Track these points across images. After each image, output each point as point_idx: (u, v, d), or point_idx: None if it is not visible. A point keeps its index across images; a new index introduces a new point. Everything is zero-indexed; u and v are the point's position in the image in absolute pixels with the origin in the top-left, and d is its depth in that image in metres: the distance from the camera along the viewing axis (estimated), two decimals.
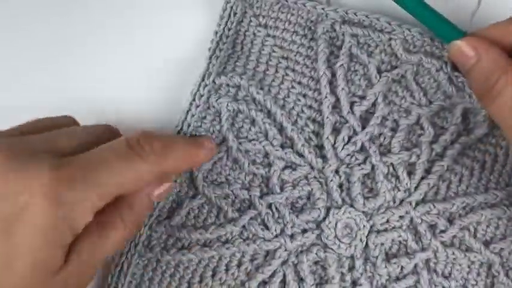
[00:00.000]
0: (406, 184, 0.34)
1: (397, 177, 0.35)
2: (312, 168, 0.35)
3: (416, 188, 0.34)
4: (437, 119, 0.35)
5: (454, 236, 0.35)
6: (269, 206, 0.35)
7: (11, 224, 0.26)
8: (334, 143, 0.34)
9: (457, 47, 0.32)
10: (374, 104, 0.35)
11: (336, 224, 0.34)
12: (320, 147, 0.35)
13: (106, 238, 0.29)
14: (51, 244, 0.27)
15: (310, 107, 0.35)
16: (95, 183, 0.27)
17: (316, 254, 0.34)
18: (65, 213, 0.26)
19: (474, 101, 0.34)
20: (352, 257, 0.35)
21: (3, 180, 0.26)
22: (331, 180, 0.34)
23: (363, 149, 0.35)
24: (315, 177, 0.35)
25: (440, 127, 0.35)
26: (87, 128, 0.32)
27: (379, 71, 0.35)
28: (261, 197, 0.35)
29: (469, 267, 0.35)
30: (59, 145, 0.29)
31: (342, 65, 0.34)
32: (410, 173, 0.35)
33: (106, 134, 0.32)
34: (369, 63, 0.35)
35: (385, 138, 0.35)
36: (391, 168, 0.35)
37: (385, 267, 0.34)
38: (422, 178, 0.34)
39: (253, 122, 0.35)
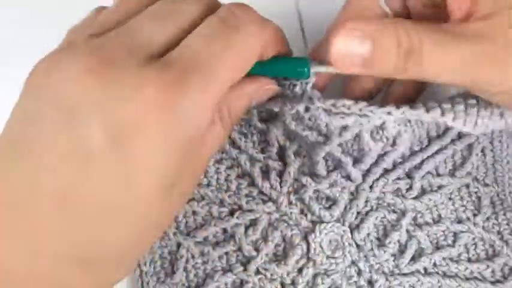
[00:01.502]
0: None
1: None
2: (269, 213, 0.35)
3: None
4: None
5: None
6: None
7: (126, 137, 0.22)
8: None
9: (338, 47, 0.26)
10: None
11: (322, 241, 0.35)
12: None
13: (212, 135, 0.27)
14: (174, 156, 0.24)
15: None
16: (210, 81, 0.24)
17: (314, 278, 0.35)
18: (184, 123, 0.24)
19: None
20: (351, 264, 0.35)
21: (102, 90, 0.22)
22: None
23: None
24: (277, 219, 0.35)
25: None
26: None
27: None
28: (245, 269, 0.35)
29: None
30: (154, 40, 0.25)
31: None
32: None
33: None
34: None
35: None
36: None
37: (384, 251, 0.35)
38: None
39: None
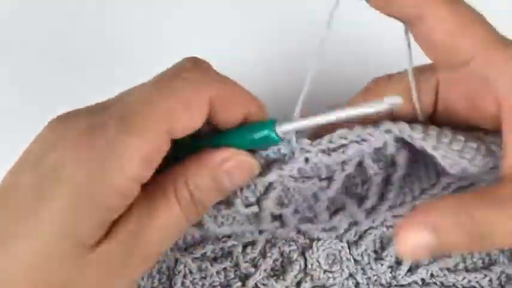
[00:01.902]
0: None
1: None
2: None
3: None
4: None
5: None
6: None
7: (43, 187, 0.22)
8: None
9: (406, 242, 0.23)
10: None
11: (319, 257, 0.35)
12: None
13: (155, 210, 0.24)
14: (83, 206, 0.22)
15: None
16: (134, 128, 0.23)
17: None
18: (100, 164, 0.22)
19: None
20: (348, 277, 0.35)
21: (42, 140, 0.24)
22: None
23: None
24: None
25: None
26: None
27: None
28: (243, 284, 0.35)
29: None
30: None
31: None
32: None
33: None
34: None
35: None
36: None
37: (381, 264, 0.34)
38: None
39: None
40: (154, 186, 0.25)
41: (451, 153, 0.25)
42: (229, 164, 0.26)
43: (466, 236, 0.23)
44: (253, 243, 0.35)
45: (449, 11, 0.25)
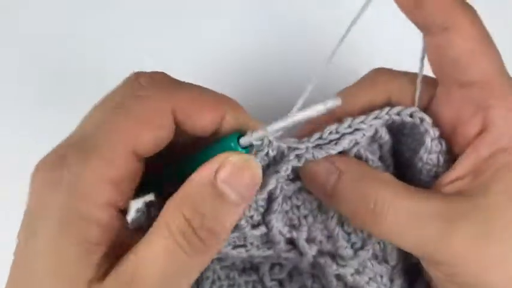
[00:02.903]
0: None
1: None
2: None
3: None
4: None
5: None
6: None
7: (35, 223, 0.23)
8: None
9: (311, 166, 0.27)
10: None
11: None
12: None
13: (148, 244, 0.23)
14: (64, 245, 0.22)
15: None
16: (96, 151, 0.23)
17: None
18: (68, 197, 0.22)
19: None
20: None
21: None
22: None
23: None
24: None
25: None
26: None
27: None
28: None
29: None
30: None
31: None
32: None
33: None
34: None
35: None
36: None
37: None
38: None
39: None
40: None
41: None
42: (224, 171, 0.23)
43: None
44: (280, 265, 0.35)
45: (473, 31, 0.25)
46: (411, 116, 0.28)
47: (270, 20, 0.47)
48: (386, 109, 0.29)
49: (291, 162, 0.28)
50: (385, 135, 0.30)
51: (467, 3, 0.26)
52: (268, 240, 0.31)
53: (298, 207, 0.31)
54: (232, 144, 0.24)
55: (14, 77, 0.46)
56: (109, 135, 0.23)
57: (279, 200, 0.29)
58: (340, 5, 0.45)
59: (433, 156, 0.28)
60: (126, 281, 0.22)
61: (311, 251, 0.31)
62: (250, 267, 0.35)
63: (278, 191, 0.29)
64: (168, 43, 0.47)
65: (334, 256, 0.31)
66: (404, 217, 0.26)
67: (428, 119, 0.28)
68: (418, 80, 0.29)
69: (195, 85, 0.26)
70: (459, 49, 0.26)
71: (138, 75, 0.25)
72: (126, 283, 0.22)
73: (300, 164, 0.28)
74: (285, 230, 0.31)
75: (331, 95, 0.30)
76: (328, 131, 0.28)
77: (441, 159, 0.28)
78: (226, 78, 0.46)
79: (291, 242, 0.31)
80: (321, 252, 0.31)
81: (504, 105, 0.26)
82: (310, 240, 0.31)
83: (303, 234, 0.31)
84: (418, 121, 0.28)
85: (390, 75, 0.30)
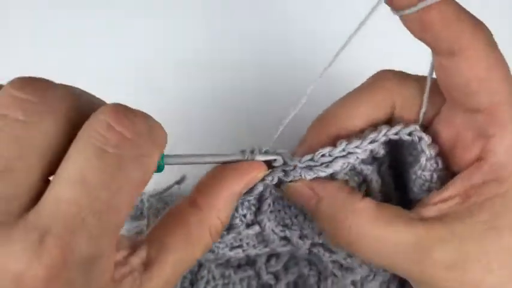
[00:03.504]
0: None
1: None
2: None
3: None
4: None
5: None
6: None
7: None
8: None
9: (293, 188, 0.28)
10: None
11: None
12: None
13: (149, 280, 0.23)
14: None
15: None
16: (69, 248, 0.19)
17: None
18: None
19: None
20: None
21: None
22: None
23: None
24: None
25: None
26: None
27: None
28: None
29: None
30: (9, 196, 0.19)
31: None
32: None
33: None
34: None
35: None
36: None
37: None
38: None
39: None
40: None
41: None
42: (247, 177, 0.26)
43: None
44: (277, 256, 0.35)
45: (483, 57, 0.24)
46: (409, 134, 0.27)
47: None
48: (384, 130, 0.27)
49: (278, 174, 0.28)
50: (381, 151, 0.29)
51: (480, 25, 0.24)
52: (263, 239, 0.32)
53: (289, 207, 0.31)
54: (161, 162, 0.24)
55: None
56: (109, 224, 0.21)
57: (269, 200, 0.30)
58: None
59: (427, 174, 0.28)
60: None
61: (305, 245, 0.32)
62: (246, 262, 0.35)
63: (267, 193, 0.30)
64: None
65: (326, 247, 0.32)
66: (378, 246, 0.26)
67: (426, 139, 0.27)
68: (425, 96, 0.27)
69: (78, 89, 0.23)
70: (465, 76, 0.24)
71: (106, 116, 0.20)
72: None
73: (286, 179, 0.28)
74: (278, 229, 0.31)
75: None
76: (320, 154, 0.27)
77: (435, 176, 0.28)
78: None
79: (285, 238, 0.32)
80: (314, 245, 0.32)
81: (506, 135, 0.25)
82: (303, 236, 0.32)
83: (296, 233, 0.31)
84: (416, 140, 0.27)
85: (395, 84, 0.28)
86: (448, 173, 0.28)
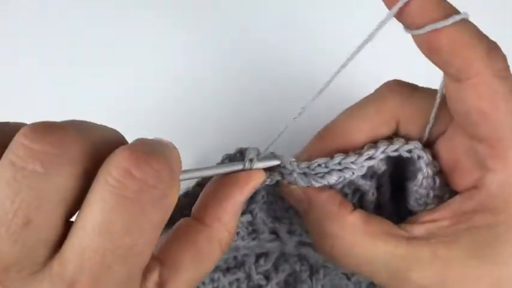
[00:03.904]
0: None
1: None
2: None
3: None
4: None
5: None
6: None
7: None
8: None
9: (287, 189, 0.28)
10: None
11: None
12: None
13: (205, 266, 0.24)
14: None
15: None
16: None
17: None
18: None
19: None
20: None
21: None
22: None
23: None
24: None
25: None
26: None
27: None
28: None
29: None
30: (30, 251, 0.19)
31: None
32: None
33: None
34: None
35: None
36: None
37: None
38: None
39: None
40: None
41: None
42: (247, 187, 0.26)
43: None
44: (266, 255, 0.35)
45: (491, 87, 0.23)
46: (409, 151, 0.27)
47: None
48: (382, 147, 0.27)
49: (276, 178, 0.28)
50: (382, 167, 0.28)
51: (493, 52, 0.23)
52: (253, 230, 0.32)
53: (282, 199, 0.31)
54: None
55: None
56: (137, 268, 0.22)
57: (262, 192, 0.30)
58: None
59: (423, 191, 0.27)
60: None
61: (292, 242, 0.32)
62: (235, 265, 0.35)
63: (262, 188, 0.30)
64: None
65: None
66: (359, 260, 0.27)
67: (426, 158, 0.27)
68: (433, 113, 0.27)
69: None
70: (469, 106, 0.23)
71: (125, 159, 0.20)
72: None
73: (282, 180, 0.28)
74: (268, 220, 0.31)
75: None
76: (317, 163, 0.27)
77: (431, 193, 0.27)
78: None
79: (274, 232, 0.32)
80: (302, 243, 0.33)
81: (504, 170, 0.24)
82: (291, 231, 0.32)
83: (285, 227, 0.32)
84: (415, 157, 0.27)
85: (401, 98, 0.27)
86: (446, 189, 0.27)
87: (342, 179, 0.27)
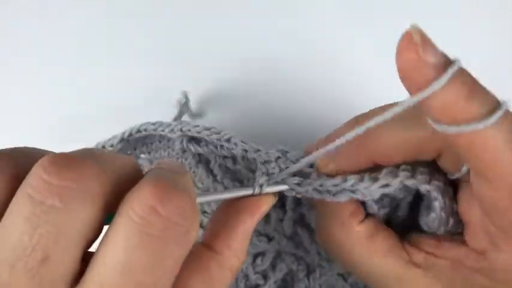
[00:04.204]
0: None
1: None
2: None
3: None
4: None
5: None
6: None
7: None
8: None
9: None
10: None
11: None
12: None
13: None
14: None
15: None
16: None
17: None
18: None
19: None
20: None
21: None
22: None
23: None
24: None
25: None
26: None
27: None
28: None
29: None
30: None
31: None
32: None
33: None
34: None
35: None
36: None
37: None
38: None
39: None
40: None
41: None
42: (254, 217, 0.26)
43: None
44: (263, 254, 0.35)
45: (508, 180, 0.21)
46: (428, 191, 0.25)
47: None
48: (400, 178, 0.25)
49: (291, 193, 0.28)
50: (400, 194, 0.27)
51: None
52: None
53: None
54: None
55: None
56: None
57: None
58: None
59: (435, 225, 0.26)
60: None
61: (295, 214, 0.33)
62: None
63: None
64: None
65: (311, 231, 0.33)
66: (360, 268, 0.27)
67: (441, 201, 0.25)
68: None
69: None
70: (483, 198, 0.22)
71: (151, 194, 0.20)
72: None
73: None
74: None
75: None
76: (332, 184, 0.26)
77: (442, 229, 0.26)
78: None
79: (281, 199, 0.32)
80: (301, 221, 0.33)
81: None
82: (297, 202, 0.32)
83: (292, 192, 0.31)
84: (431, 198, 0.26)
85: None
86: (460, 226, 0.27)
87: (350, 198, 0.26)
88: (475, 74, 0.20)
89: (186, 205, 0.20)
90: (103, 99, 0.44)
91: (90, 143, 0.34)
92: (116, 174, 0.20)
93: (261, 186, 0.26)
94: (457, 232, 0.26)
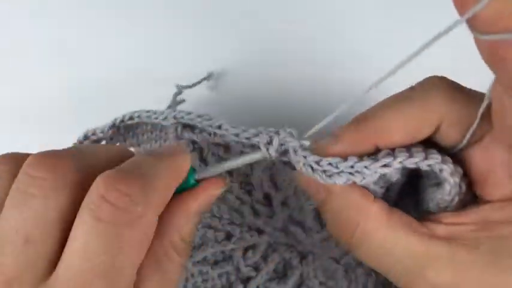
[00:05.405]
0: None
1: None
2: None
3: None
4: None
5: None
6: None
7: None
8: None
9: (302, 177, 0.27)
10: None
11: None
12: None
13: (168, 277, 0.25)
14: None
15: None
16: None
17: None
18: None
19: None
20: None
21: None
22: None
23: None
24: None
25: None
26: None
27: None
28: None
29: None
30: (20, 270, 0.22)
31: None
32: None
33: None
34: None
35: None
36: None
37: None
38: None
39: None
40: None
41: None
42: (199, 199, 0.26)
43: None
44: (254, 247, 0.35)
45: None
46: (429, 165, 0.25)
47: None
48: (401, 158, 0.25)
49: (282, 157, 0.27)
50: (396, 175, 0.26)
51: None
52: (248, 183, 0.32)
53: (285, 167, 0.31)
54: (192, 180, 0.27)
55: None
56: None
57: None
58: None
59: (449, 197, 0.26)
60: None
61: (282, 214, 0.33)
62: (223, 258, 0.35)
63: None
64: None
65: (303, 227, 0.33)
66: (379, 250, 0.26)
67: (449, 168, 0.25)
68: (477, 119, 0.24)
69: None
70: None
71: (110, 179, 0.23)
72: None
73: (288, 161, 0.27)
74: (266, 184, 0.32)
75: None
76: (327, 162, 0.25)
77: (456, 199, 0.26)
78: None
79: (267, 197, 0.33)
80: (290, 220, 0.33)
81: None
82: (285, 203, 0.32)
83: (280, 196, 0.32)
84: (437, 171, 0.25)
85: (446, 99, 0.25)
86: (470, 193, 0.26)
87: (350, 181, 0.25)
88: None
89: (135, 192, 0.22)
90: (103, 100, 0.44)
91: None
92: (92, 165, 0.24)
93: (268, 143, 0.26)
94: (466, 203, 0.26)
